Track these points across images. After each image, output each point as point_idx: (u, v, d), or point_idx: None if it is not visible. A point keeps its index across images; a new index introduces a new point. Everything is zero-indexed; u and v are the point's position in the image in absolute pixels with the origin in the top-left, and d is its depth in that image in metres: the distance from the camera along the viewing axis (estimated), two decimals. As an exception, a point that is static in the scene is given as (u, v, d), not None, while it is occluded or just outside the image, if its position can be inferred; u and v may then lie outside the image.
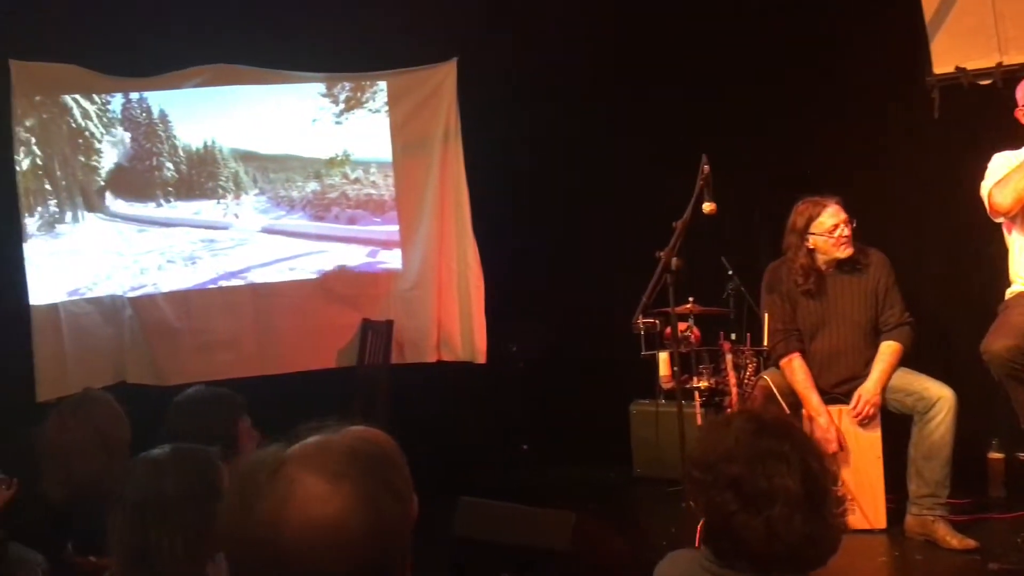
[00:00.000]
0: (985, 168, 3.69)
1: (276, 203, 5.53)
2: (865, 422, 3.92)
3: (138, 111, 5.26)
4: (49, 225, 4.95)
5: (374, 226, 5.67)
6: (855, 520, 3.84)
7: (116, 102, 5.20)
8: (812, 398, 3.96)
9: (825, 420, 3.92)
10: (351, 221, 5.64)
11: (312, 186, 5.58)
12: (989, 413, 4.32)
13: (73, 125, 5.07)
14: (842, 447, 3.92)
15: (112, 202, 5.19)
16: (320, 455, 1.07)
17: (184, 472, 1.88)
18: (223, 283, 5.39)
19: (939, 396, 3.79)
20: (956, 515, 3.89)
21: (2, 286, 4.69)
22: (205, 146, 5.39)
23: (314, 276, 5.52)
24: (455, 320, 5.50)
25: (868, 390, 3.92)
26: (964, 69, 4.39)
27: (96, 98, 5.12)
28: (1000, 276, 3.81)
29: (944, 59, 4.43)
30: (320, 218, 5.60)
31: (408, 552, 1.08)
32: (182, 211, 5.36)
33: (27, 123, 4.86)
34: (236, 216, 5.45)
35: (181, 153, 5.35)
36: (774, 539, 1.52)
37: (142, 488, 1.85)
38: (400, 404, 4.98)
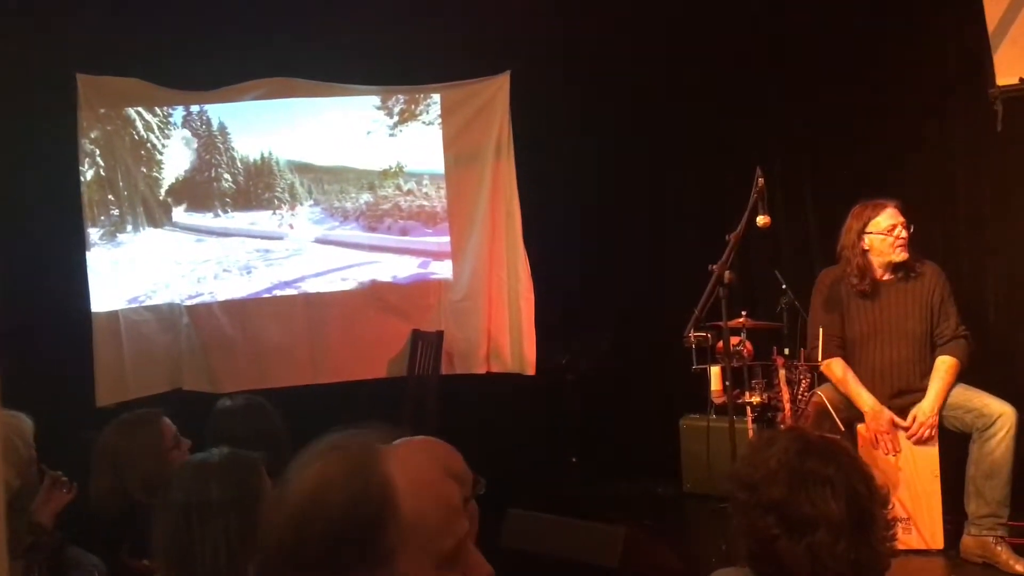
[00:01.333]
0: None
1: (330, 214, 5.61)
2: (919, 443, 3.83)
3: (198, 123, 5.38)
4: (111, 234, 5.09)
5: (426, 237, 5.71)
6: (911, 540, 3.76)
7: (177, 115, 5.33)
8: (860, 392, 3.88)
9: (876, 410, 3.83)
10: (403, 232, 5.69)
11: (365, 197, 5.65)
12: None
13: (136, 137, 5.21)
14: (904, 427, 3.83)
15: (171, 212, 5.31)
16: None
17: (228, 476, 1.90)
18: (277, 292, 5.47)
19: (1000, 412, 3.69)
20: (1018, 538, 3.77)
21: (66, 293, 4.82)
22: (262, 157, 5.49)
23: (366, 286, 5.58)
24: (505, 331, 5.51)
25: (924, 411, 3.82)
26: (1029, 80, 4.28)
27: (158, 111, 5.26)
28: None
29: (1008, 70, 4.32)
30: (373, 229, 5.66)
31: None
32: (239, 221, 5.47)
33: (92, 135, 5.00)
34: (291, 227, 5.54)
35: (239, 164, 5.46)
36: (818, 566, 1.49)
37: (187, 490, 1.88)
38: (449, 415, 5.00)
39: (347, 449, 1.06)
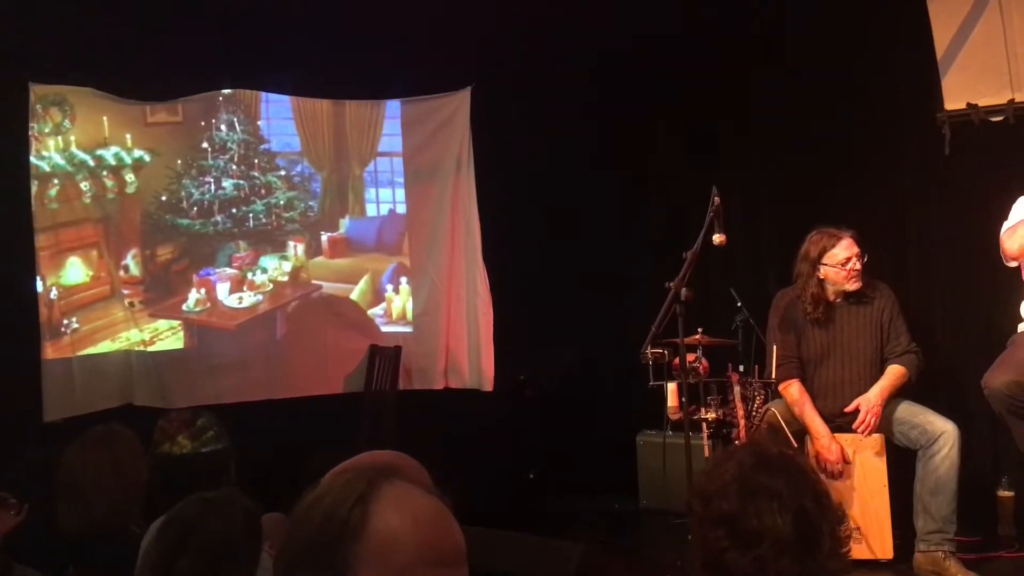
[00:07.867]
0: (1005, 207, 3.72)
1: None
2: (868, 433, 3.91)
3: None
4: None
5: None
6: (861, 551, 3.81)
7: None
8: (814, 420, 3.97)
9: (826, 440, 3.92)
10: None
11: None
12: (999, 450, 4.29)
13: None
14: (847, 461, 3.92)
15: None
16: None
17: (229, 514, 1.94)
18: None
19: (942, 430, 3.79)
20: (966, 553, 3.84)
21: (14, 306, 4.70)
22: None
23: (323, 301, 5.53)
24: (463, 347, 5.50)
25: (869, 400, 3.94)
26: (976, 105, 4.39)
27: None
28: (1013, 312, 3.80)
29: (956, 95, 4.43)
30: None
31: None
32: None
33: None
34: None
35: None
36: None
37: (184, 519, 1.91)
38: (406, 431, 4.97)
39: (357, 471, 1.15)
